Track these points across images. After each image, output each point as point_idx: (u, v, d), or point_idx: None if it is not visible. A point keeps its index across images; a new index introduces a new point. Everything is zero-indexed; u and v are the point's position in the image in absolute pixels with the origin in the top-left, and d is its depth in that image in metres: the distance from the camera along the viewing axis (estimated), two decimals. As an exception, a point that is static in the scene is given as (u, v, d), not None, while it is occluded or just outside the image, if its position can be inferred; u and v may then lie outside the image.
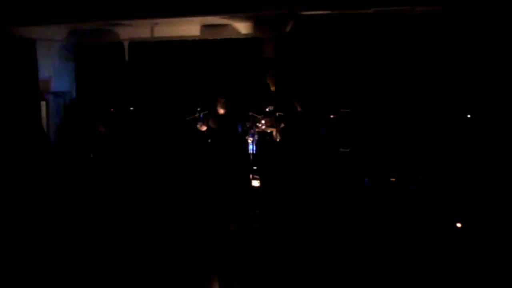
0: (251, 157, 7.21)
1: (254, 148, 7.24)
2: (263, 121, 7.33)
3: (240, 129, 7.10)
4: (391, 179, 6.67)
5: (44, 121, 8.68)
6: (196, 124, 7.21)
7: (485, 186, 6.02)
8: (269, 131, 7.37)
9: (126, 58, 8.86)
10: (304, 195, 6.27)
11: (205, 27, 8.32)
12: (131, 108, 8.69)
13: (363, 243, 5.18)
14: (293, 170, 6.65)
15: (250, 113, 7.30)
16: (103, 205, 5.99)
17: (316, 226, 5.64)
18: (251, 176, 7.03)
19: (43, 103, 8.69)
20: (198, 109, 7.17)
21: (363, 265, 4.68)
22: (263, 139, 7.25)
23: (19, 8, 7.71)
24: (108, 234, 5.42)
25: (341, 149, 6.99)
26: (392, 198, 6.28)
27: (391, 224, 5.61)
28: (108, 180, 6.57)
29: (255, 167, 7.09)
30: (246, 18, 7.91)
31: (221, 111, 7.11)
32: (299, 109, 6.71)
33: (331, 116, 7.36)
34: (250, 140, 7.20)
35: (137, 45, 8.81)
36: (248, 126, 7.27)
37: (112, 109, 8.62)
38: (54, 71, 8.96)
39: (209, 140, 7.15)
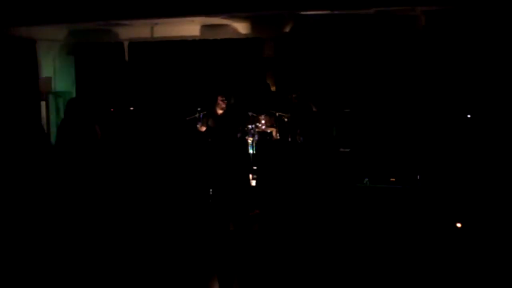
0: (251, 157, 7.21)
1: (254, 148, 7.24)
2: (263, 121, 7.33)
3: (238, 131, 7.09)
4: (391, 179, 6.67)
5: (44, 121, 8.69)
6: (196, 124, 7.21)
7: (485, 186, 6.02)
8: (269, 131, 7.37)
9: (126, 58, 8.86)
10: (304, 195, 6.27)
11: (205, 27, 8.33)
12: (131, 108, 8.69)
13: (363, 243, 5.18)
14: (294, 170, 6.65)
15: (250, 113, 7.30)
16: (103, 205, 5.98)
17: (316, 226, 5.64)
18: (251, 176, 7.04)
19: (43, 103, 8.69)
20: (198, 109, 7.17)
21: (363, 265, 4.68)
22: (263, 139, 7.24)
23: (19, 8, 7.71)
24: (108, 234, 5.42)
25: (341, 149, 6.99)
26: (392, 198, 6.28)
27: (391, 224, 5.61)
28: (108, 180, 6.57)
29: (255, 167, 7.09)
30: (246, 18, 7.92)
31: (220, 111, 7.12)
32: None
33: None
34: (250, 140, 7.20)
35: (137, 45, 8.82)
36: (248, 126, 7.27)
37: (112, 109, 8.63)
38: (54, 71, 8.96)
39: (209, 139, 7.14)
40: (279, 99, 7.74)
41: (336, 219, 5.81)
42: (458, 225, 5.45)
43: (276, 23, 7.90)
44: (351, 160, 6.84)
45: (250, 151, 7.25)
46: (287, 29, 7.93)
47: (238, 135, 7.10)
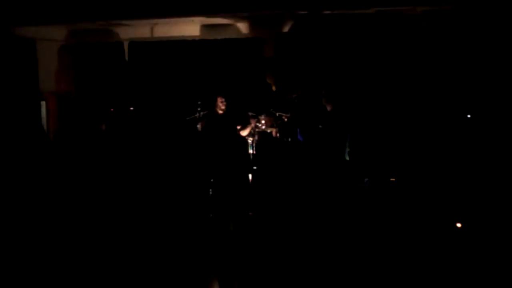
0: (251, 157, 7.21)
1: (254, 148, 7.24)
2: (263, 121, 7.33)
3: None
4: (391, 179, 6.67)
5: (44, 121, 8.69)
6: (196, 124, 7.20)
7: (485, 186, 6.01)
8: (269, 131, 7.37)
9: (126, 58, 8.86)
10: (304, 194, 6.27)
11: (205, 27, 8.33)
12: (131, 108, 8.69)
13: (363, 243, 5.18)
14: (294, 170, 6.65)
15: (250, 113, 7.30)
16: (103, 205, 5.98)
17: (316, 226, 5.64)
18: (250, 176, 7.03)
19: (43, 103, 8.69)
20: (198, 109, 7.16)
21: (363, 265, 4.68)
22: (263, 139, 7.24)
23: (19, 8, 7.71)
24: (108, 234, 5.42)
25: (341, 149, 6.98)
26: (392, 198, 6.28)
27: (391, 224, 5.61)
28: (108, 180, 6.57)
29: (255, 167, 7.09)
30: (246, 18, 7.91)
31: (220, 111, 7.10)
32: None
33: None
34: (250, 140, 7.20)
35: (137, 45, 8.82)
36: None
37: (112, 109, 8.62)
38: (54, 71, 8.96)
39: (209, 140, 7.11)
40: (279, 99, 7.74)
41: (336, 219, 5.81)
42: (458, 225, 5.45)
43: (276, 23, 7.90)
44: (351, 160, 6.83)
45: (250, 151, 7.25)
46: (287, 29, 7.93)
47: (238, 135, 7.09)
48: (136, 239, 5.36)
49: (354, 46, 7.70)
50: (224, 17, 7.71)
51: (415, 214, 5.78)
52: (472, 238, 5.15)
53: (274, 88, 8.18)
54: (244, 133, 6.76)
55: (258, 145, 7.19)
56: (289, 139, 7.20)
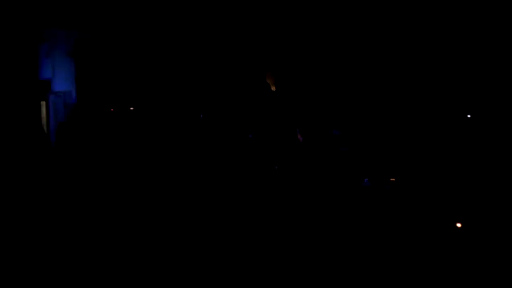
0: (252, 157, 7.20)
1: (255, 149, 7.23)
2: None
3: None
4: (391, 179, 6.67)
5: (44, 121, 8.68)
6: (196, 124, 7.21)
7: (486, 186, 6.02)
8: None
9: (126, 58, 8.85)
10: (304, 194, 6.28)
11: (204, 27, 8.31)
12: (131, 108, 8.68)
13: (363, 243, 5.18)
14: (294, 169, 6.65)
15: (250, 114, 7.29)
16: (103, 205, 5.99)
17: (316, 226, 5.64)
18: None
19: (43, 103, 8.68)
20: (199, 109, 7.17)
21: (363, 265, 4.68)
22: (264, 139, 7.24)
23: (19, 8, 7.71)
24: (108, 234, 5.42)
25: (341, 149, 6.99)
26: (392, 198, 6.28)
27: (391, 224, 5.61)
28: (108, 180, 6.57)
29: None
30: (246, 18, 7.91)
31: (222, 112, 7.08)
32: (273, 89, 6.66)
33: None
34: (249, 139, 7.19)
35: (137, 45, 8.81)
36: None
37: (112, 109, 8.62)
38: (54, 71, 8.95)
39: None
40: (279, 98, 7.73)
41: (336, 219, 5.81)
42: (458, 225, 5.45)
43: (276, 23, 7.89)
44: (351, 160, 6.84)
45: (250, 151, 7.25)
46: (287, 29, 7.93)
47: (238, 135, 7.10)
48: (136, 239, 5.36)
49: (353, 45, 7.70)
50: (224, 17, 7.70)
51: (415, 214, 5.79)
52: (472, 238, 5.16)
53: (274, 88, 8.18)
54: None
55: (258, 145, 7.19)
56: (289, 139, 7.19)
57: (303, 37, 7.94)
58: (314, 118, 7.00)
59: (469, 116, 7.01)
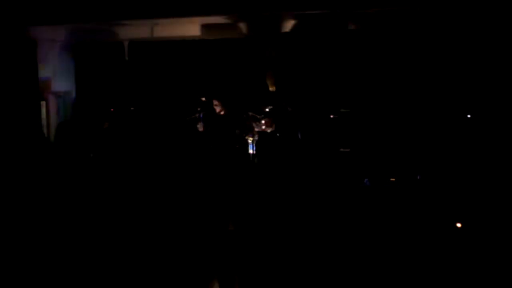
0: (251, 157, 7.20)
1: (254, 148, 7.23)
2: (263, 121, 7.33)
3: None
4: (391, 179, 6.67)
5: (44, 121, 8.69)
6: (196, 124, 7.21)
7: (485, 186, 6.02)
8: (269, 131, 7.37)
9: (126, 58, 8.86)
10: (304, 195, 6.27)
11: (205, 27, 8.32)
12: (131, 108, 8.69)
13: (363, 243, 5.18)
14: (294, 169, 6.65)
15: (250, 113, 7.30)
16: (102, 205, 5.98)
17: (316, 226, 5.64)
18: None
19: (43, 103, 8.69)
20: (198, 109, 7.17)
21: (363, 265, 4.68)
22: (263, 139, 7.24)
23: (19, 8, 7.71)
24: (108, 234, 5.42)
25: (341, 149, 6.99)
26: (392, 198, 6.28)
27: (391, 224, 5.61)
28: (108, 180, 6.56)
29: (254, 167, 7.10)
30: (246, 18, 7.91)
31: (218, 110, 7.09)
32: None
33: (331, 116, 7.35)
34: (250, 140, 7.20)
35: (137, 45, 8.81)
36: (248, 126, 7.26)
37: (112, 109, 8.62)
38: (54, 71, 8.96)
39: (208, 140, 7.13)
40: (279, 99, 7.74)
41: (336, 219, 5.81)
42: (458, 225, 5.45)
43: (276, 23, 7.90)
44: (351, 160, 6.84)
45: (250, 151, 7.25)
46: (287, 29, 7.93)
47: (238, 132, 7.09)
48: (136, 238, 5.36)
49: (353, 46, 7.70)
50: (224, 17, 7.70)
51: (415, 214, 5.78)
52: (472, 238, 5.16)
53: (273, 88, 8.18)
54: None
55: (258, 145, 7.19)
56: (289, 139, 7.19)
57: (304, 36, 7.95)
58: (314, 117, 7.00)
59: (469, 116, 7.01)
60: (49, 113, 8.72)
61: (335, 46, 7.80)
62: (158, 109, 8.63)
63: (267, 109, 7.55)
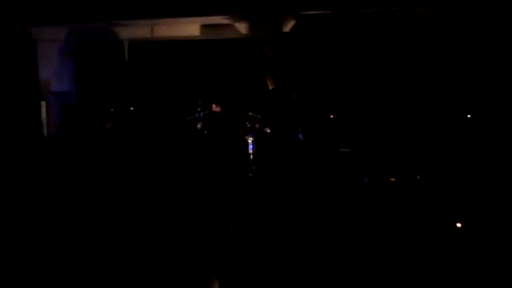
0: (251, 157, 7.20)
1: (254, 148, 7.23)
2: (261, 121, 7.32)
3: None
4: (391, 179, 6.67)
5: (44, 121, 8.69)
6: (196, 124, 7.21)
7: (485, 186, 6.02)
8: (268, 131, 7.36)
9: (126, 58, 8.86)
10: (304, 195, 6.27)
11: (205, 27, 8.32)
12: (131, 108, 8.69)
13: (363, 243, 5.18)
14: (294, 169, 6.65)
15: (250, 113, 7.30)
16: (103, 205, 5.98)
17: (316, 226, 5.64)
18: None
19: (43, 103, 8.69)
20: (198, 109, 7.17)
21: (363, 265, 4.68)
22: (263, 139, 7.24)
23: (20, 8, 7.72)
24: (108, 234, 5.42)
25: (341, 149, 6.99)
26: (392, 198, 6.28)
27: (391, 224, 5.61)
28: (108, 180, 6.56)
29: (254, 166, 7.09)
30: (246, 18, 7.91)
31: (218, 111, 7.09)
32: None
33: (331, 116, 7.35)
34: (250, 140, 7.20)
35: (137, 45, 8.82)
36: (248, 126, 7.26)
37: (112, 109, 8.62)
38: (54, 71, 8.96)
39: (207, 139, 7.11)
40: (279, 98, 7.73)
41: (336, 219, 5.81)
42: (458, 225, 5.45)
43: (276, 23, 7.90)
44: (351, 160, 6.84)
45: (250, 150, 7.25)
46: (287, 29, 7.93)
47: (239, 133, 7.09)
48: (137, 238, 5.36)
49: (353, 46, 7.70)
50: (224, 17, 7.71)
51: (415, 214, 5.79)
52: (472, 238, 5.16)
53: (273, 88, 8.18)
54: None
55: (257, 145, 7.19)
56: (289, 139, 7.19)
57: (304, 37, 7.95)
58: (315, 117, 7.00)
59: (469, 116, 7.01)
60: (49, 113, 8.72)
61: (335, 46, 7.80)
62: (158, 109, 8.62)
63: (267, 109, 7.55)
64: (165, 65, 8.76)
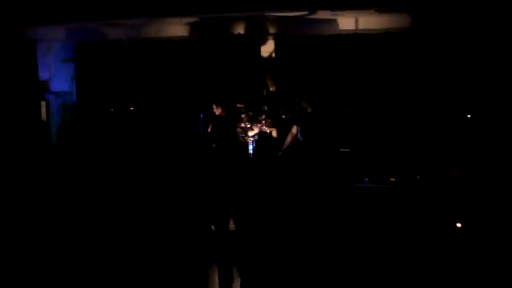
0: (251, 157, 7.19)
1: (254, 148, 7.22)
2: (263, 121, 7.32)
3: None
4: (391, 179, 6.67)
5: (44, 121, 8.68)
6: (196, 124, 7.20)
7: (485, 186, 6.02)
8: (269, 131, 7.36)
9: (126, 58, 8.85)
10: (304, 194, 6.27)
11: (202, 26, 8.31)
12: (131, 108, 8.69)
13: (363, 243, 5.18)
14: (294, 169, 6.64)
15: (250, 113, 7.28)
16: (103, 205, 5.99)
17: (316, 226, 5.64)
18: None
19: (43, 103, 8.68)
20: (198, 109, 7.15)
21: (363, 265, 4.69)
22: (263, 139, 7.23)
23: (19, 8, 7.71)
24: (108, 234, 5.42)
25: (341, 149, 6.98)
26: (392, 198, 6.28)
27: (391, 224, 5.61)
28: (108, 180, 6.57)
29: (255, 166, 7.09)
30: (245, 18, 7.91)
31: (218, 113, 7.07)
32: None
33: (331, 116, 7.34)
34: (250, 140, 7.18)
35: (137, 45, 8.80)
36: (248, 126, 7.24)
37: (112, 109, 8.62)
38: (54, 71, 8.96)
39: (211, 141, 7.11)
40: (279, 99, 7.73)
41: (336, 219, 5.81)
42: (458, 225, 5.46)
43: (276, 23, 7.90)
44: (351, 160, 6.83)
45: (250, 151, 7.23)
46: (287, 29, 7.93)
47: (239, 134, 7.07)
48: (137, 238, 5.36)
49: (353, 46, 7.70)
50: (223, 17, 7.70)
51: (415, 214, 5.79)
52: (472, 238, 5.16)
53: (273, 88, 8.18)
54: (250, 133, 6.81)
55: (257, 145, 7.18)
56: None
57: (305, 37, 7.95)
58: (315, 118, 6.99)
59: (469, 116, 7.01)
60: (49, 113, 8.71)
61: (335, 46, 7.80)
62: (158, 109, 8.62)
63: (266, 109, 7.54)
64: (165, 65, 8.75)
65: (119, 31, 8.63)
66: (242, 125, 7.12)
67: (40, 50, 8.80)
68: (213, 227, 5.34)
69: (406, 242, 5.13)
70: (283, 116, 7.28)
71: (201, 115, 7.13)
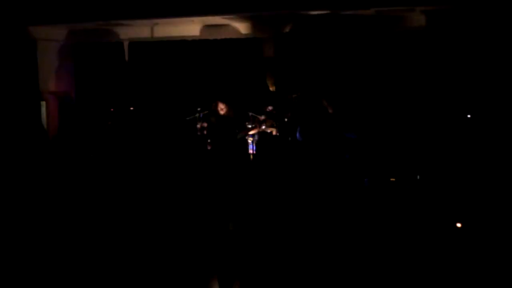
0: (251, 157, 7.21)
1: (254, 148, 7.25)
2: (263, 122, 7.34)
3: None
4: (391, 179, 6.67)
5: (44, 121, 8.69)
6: (196, 124, 7.22)
7: (485, 186, 6.02)
8: (269, 131, 7.37)
9: (126, 58, 8.86)
10: (305, 194, 6.28)
11: (205, 27, 8.33)
12: (131, 108, 8.69)
13: (364, 243, 5.18)
14: (294, 169, 6.65)
15: (250, 113, 7.30)
16: (103, 205, 5.99)
17: (316, 226, 5.64)
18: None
19: (43, 103, 8.69)
20: (198, 109, 7.17)
21: (363, 265, 4.68)
22: (263, 139, 7.25)
23: (19, 9, 7.72)
24: (108, 234, 5.42)
25: (341, 149, 6.99)
26: (392, 198, 6.28)
27: (391, 224, 5.61)
28: (108, 180, 6.57)
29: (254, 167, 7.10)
30: (245, 18, 7.91)
31: (222, 112, 7.08)
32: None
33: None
34: (250, 140, 7.20)
35: (137, 45, 8.81)
36: (248, 126, 7.27)
37: (112, 109, 8.63)
38: (54, 71, 8.96)
39: (209, 141, 7.13)
40: (279, 99, 7.74)
41: (336, 219, 5.81)
42: (458, 225, 5.45)
43: (276, 23, 7.90)
44: (351, 160, 6.84)
45: (250, 151, 7.26)
46: (287, 29, 7.93)
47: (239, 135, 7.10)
48: (137, 238, 5.36)
49: (353, 46, 7.70)
50: (224, 17, 7.71)
51: (415, 214, 5.79)
52: (472, 238, 5.16)
53: (273, 88, 8.19)
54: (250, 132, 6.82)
55: (258, 145, 7.19)
56: (289, 139, 7.20)
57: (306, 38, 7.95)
58: (314, 118, 6.99)
59: (469, 116, 7.01)
60: (49, 113, 8.72)
61: (335, 46, 7.80)
62: (158, 109, 8.62)
63: (267, 109, 7.55)
64: (165, 65, 8.76)
65: (119, 32, 8.64)
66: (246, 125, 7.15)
67: (40, 50, 8.82)
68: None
69: (405, 241, 5.13)
70: (286, 119, 7.30)
71: (201, 115, 7.15)
